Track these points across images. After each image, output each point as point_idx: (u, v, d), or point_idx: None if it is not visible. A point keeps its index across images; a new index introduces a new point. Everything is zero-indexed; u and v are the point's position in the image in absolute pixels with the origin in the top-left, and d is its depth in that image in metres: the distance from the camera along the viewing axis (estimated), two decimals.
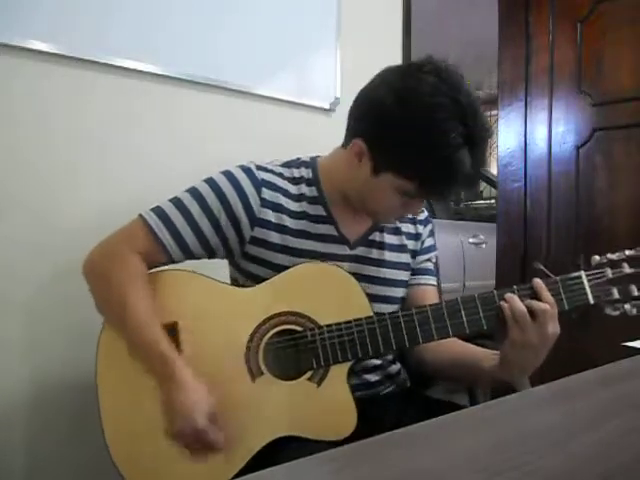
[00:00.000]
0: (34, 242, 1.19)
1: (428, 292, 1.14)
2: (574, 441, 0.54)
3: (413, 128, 0.86)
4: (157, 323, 0.91)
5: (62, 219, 1.23)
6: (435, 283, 1.18)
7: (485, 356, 1.01)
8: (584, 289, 0.94)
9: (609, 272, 0.95)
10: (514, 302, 0.91)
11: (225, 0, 1.46)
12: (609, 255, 0.96)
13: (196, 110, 1.43)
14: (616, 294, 0.95)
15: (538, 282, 0.93)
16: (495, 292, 0.94)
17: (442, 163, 0.87)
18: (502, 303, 0.93)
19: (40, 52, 1.18)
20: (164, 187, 1.14)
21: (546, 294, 0.92)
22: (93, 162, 1.27)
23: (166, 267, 0.99)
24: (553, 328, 0.91)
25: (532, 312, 0.91)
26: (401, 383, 1.13)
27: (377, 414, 1.01)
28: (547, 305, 0.91)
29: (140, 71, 1.32)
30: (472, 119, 0.86)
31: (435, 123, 0.85)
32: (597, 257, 0.97)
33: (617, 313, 0.95)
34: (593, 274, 0.95)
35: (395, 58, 1.88)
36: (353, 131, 0.97)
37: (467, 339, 1.05)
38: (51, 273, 1.21)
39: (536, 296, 0.92)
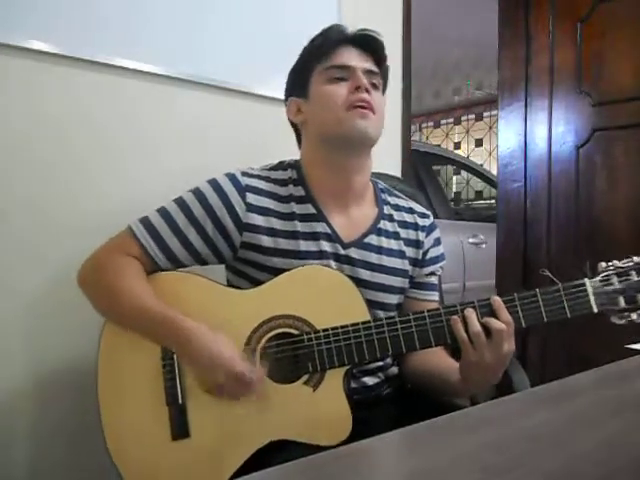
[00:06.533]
0: (34, 244, 1.18)
1: (428, 307, 1.11)
2: (574, 441, 0.54)
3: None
4: (154, 296, 0.93)
5: (59, 219, 1.22)
6: (437, 299, 1.16)
7: (454, 370, 0.99)
8: (588, 297, 0.92)
9: (615, 280, 0.92)
10: (470, 321, 0.90)
11: (225, 0, 1.46)
12: (616, 262, 0.93)
13: (196, 110, 1.42)
14: (622, 303, 0.91)
15: (497, 300, 0.92)
16: (458, 306, 0.93)
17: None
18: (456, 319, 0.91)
19: (39, 52, 1.17)
20: (163, 188, 1.14)
21: (504, 313, 0.91)
22: (91, 163, 1.26)
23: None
24: (508, 347, 0.90)
25: (488, 331, 0.90)
26: (400, 384, 1.12)
27: (377, 416, 1.00)
28: (503, 325, 0.89)
29: (140, 71, 1.32)
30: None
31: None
32: (603, 264, 0.94)
33: (624, 322, 0.92)
34: (598, 282, 0.92)
35: (395, 58, 1.87)
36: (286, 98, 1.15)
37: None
38: (53, 275, 1.21)
39: (494, 314, 0.91)
